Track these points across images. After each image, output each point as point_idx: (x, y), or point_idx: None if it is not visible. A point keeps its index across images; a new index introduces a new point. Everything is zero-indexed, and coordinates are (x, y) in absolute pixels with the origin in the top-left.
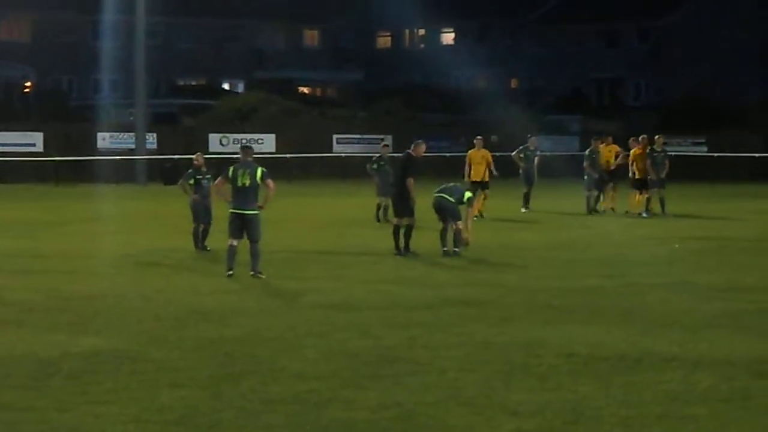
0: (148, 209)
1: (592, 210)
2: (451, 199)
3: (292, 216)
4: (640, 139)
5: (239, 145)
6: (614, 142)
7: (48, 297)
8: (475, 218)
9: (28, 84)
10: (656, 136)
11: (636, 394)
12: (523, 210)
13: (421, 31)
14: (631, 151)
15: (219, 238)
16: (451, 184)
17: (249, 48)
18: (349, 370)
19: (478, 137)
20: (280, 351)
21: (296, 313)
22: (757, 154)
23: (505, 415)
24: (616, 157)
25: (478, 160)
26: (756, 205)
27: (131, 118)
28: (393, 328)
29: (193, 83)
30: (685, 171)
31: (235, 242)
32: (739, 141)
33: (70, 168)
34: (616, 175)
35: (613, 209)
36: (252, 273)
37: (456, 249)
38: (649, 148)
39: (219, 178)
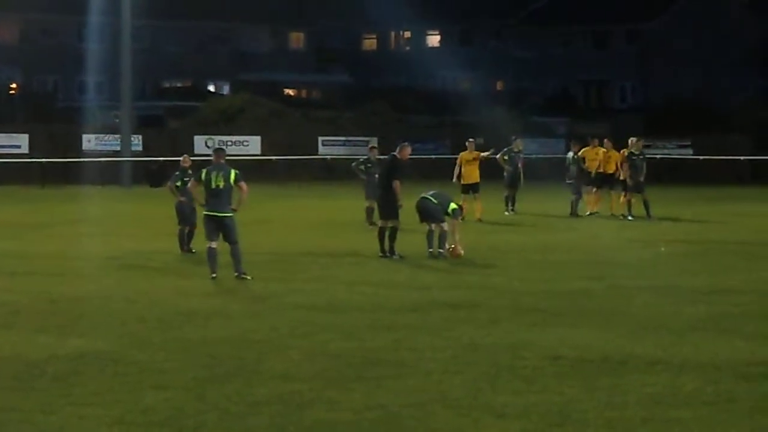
0: (134, 211)
1: (575, 213)
2: (435, 201)
3: (277, 218)
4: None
5: (215, 147)
6: (600, 145)
7: (34, 299)
8: (480, 221)
9: (13, 85)
10: (632, 139)
11: (621, 396)
12: (507, 212)
13: (407, 33)
14: (620, 153)
15: (205, 240)
16: (441, 191)
17: (234, 50)
18: (334, 372)
19: (470, 139)
20: (264, 352)
21: (281, 314)
22: (742, 157)
23: (490, 417)
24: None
25: (470, 162)
26: (741, 208)
27: (117, 120)
28: (378, 330)
29: (179, 85)
30: (671, 174)
31: (213, 244)
32: (725, 144)
33: (55, 170)
34: (600, 179)
35: (596, 212)
36: (236, 275)
37: (441, 250)
38: (628, 151)
39: (191, 181)
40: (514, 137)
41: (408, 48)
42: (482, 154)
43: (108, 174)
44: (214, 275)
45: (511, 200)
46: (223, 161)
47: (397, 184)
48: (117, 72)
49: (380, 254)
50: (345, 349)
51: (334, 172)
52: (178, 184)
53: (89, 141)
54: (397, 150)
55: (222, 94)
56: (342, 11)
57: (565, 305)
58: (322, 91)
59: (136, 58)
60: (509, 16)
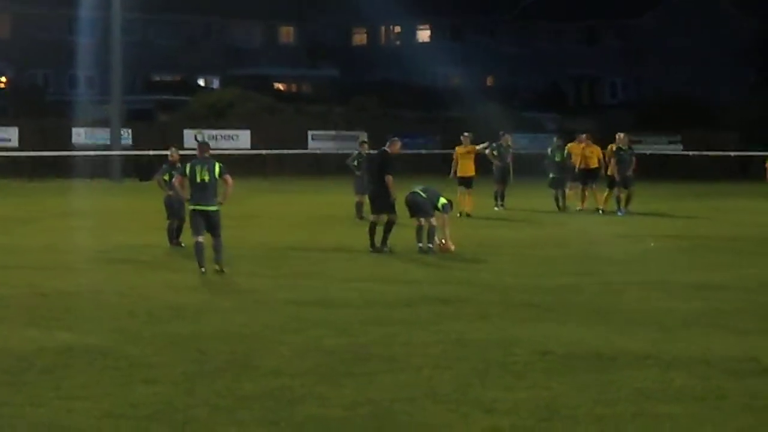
0: (123, 205)
1: (562, 208)
2: (424, 195)
3: (266, 212)
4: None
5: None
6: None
7: (23, 293)
8: (458, 215)
9: (3, 79)
10: (619, 134)
11: (611, 392)
12: (496, 208)
13: (397, 28)
14: (608, 148)
15: (191, 235)
16: (429, 186)
17: (224, 44)
18: (324, 367)
19: (465, 134)
20: (254, 348)
21: (271, 309)
22: (732, 153)
23: (480, 413)
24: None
25: (465, 156)
26: (731, 203)
27: (107, 114)
28: (368, 326)
29: (169, 79)
30: (661, 169)
31: (200, 239)
32: (715, 140)
33: (45, 163)
34: (587, 175)
35: (584, 209)
36: (216, 268)
37: (430, 245)
38: (615, 146)
39: (177, 176)
40: (502, 132)
41: (398, 43)
42: (477, 147)
43: (98, 168)
44: (203, 269)
45: (500, 195)
46: (207, 155)
47: (389, 178)
48: (107, 66)
49: (370, 249)
50: (336, 345)
51: (324, 167)
52: (166, 177)
53: (79, 135)
54: (388, 144)
55: (212, 89)
56: (332, 6)
57: (555, 301)
58: (312, 86)
59: (126, 52)
60: (500, 11)
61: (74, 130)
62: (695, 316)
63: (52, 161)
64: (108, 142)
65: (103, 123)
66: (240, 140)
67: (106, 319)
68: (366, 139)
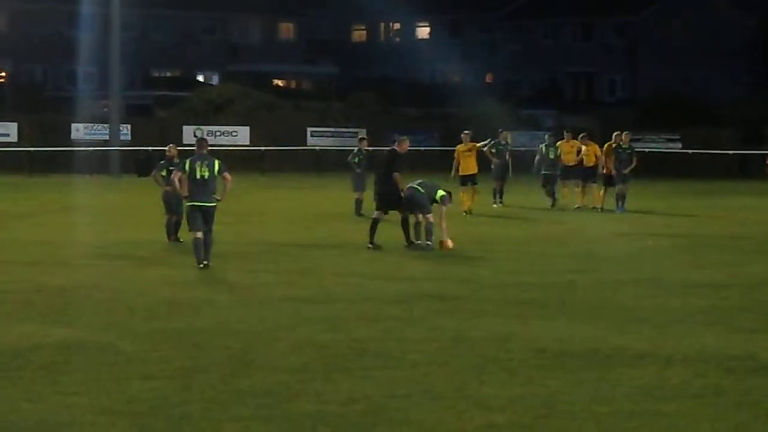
0: (122, 200)
1: (553, 205)
2: (422, 190)
3: (265, 209)
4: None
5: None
6: (590, 138)
7: (20, 287)
8: (464, 214)
9: (2, 74)
10: (616, 133)
11: (607, 389)
12: (495, 205)
13: (397, 25)
14: (605, 146)
15: (189, 231)
16: (427, 180)
17: (224, 40)
18: (320, 363)
19: (466, 131)
20: (250, 343)
21: (268, 305)
22: (731, 151)
23: (476, 409)
24: (578, 153)
25: (466, 154)
26: (729, 201)
27: (105, 110)
28: (364, 322)
29: (168, 75)
30: (660, 167)
31: (199, 234)
32: (714, 138)
33: (44, 159)
34: (577, 172)
35: (579, 207)
36: (204, 262)
37: (429, 242)
38: (615, 144)
39: (176, 172)
40: (500, 129)
41: (398, 39)
42: (478, 144)
43: (96, 163)
44: (201, 265)
45: (498, 193)
46: (205, 151)
47: (397, 176)
48: (106, 61)
49: (369, 245)
50: (332, 341)
51: (323, 163)
52: (164, 173)
53: (78, 130)
54: (396, 143)
55: (211, 85)
56: (332, 2)
57: (551, 298)
58: (311, 82)
59: (125, 47)
60: (499, 8)
61: (73, 125)
62: (692, 314)
63: (50, 156)
64: (107, 138)
65: (101, 118)
66: (239, 136)
67: (104, 314)
68: (365, 136)
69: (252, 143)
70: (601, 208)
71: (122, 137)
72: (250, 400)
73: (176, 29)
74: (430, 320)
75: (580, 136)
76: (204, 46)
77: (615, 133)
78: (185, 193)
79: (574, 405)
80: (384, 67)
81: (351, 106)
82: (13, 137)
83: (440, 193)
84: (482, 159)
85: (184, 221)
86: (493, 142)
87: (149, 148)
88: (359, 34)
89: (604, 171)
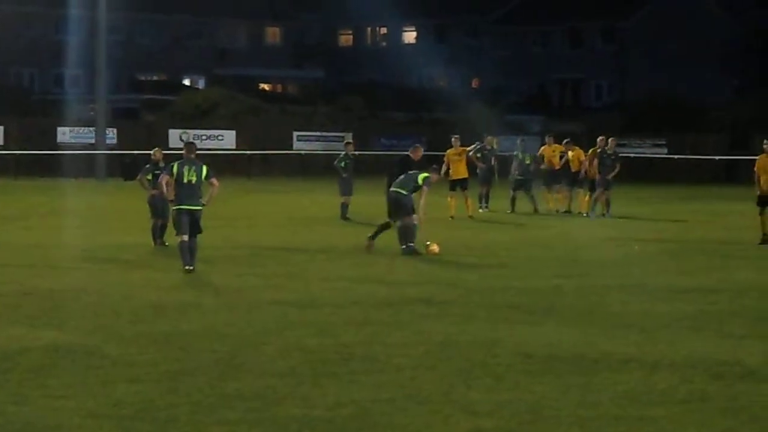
0: (108, 204)
1: (512, 209)
2: (404, 192)
3: (251, 213)
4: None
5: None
6: (575, 143)
7: (8, 290)
8: (452, 219)
9: None
10: (600, 138)
11: (594, 394)
12: (481, 210)
13: (383, 29)
14: (590, 152)
15: (176, 234)
16: (403, 176)
17: (210, 45)
18: (307, 367)
19: (455, 136)
20: (237, 347)
21: (255, 309)
22: (717, 157)
23: (462, 414)
24: (561, 157)
25: (456, 158)
26: (716, 207)
27: (92, 113)
28: (351, 326)
29: (154, 79)
30: (646, 172)
31: (185, 237)
32: (701, 143)
33: (30, 162)
34: (560, 177)
35: (557, 210)
36: (189, 268)
37: (410, 244)
38: (599, 149)
39: (164, 176)
40: (486, 135)
41: (384, 44)
42: (468, 149)
43: (82, 166)
44: (187, 268)
45: (485, 197)
46: (193, 156)
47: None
48: (93, 65)
49: (369, 237)
50: (319, 345)
51: (309, 168)
52: (149, 177)
53: (64, 134)
54: (410, 150)
55: (197, 88)
56: (318, 7)
57: (538, 303)
58: (297, 87)
59: (112, 51)
60: (486, 13)
61: (59, 129)
62: (679, 319)
63: (36, 160)
64: (93, 141)
65: (88, 122)
66: (225, 140)
67: (91, 317)
68: (351, 140)
69: (238, 147)
70: (587, 213)
71: (108, 141)
72: (236, 403)
73: (163, 33)
74: (417, 325)
75: (564, 141)
76: (191, 50)
77: (599, 138)
78: (171, 196)
79: (560, 410)
80: (370, 72)
81: (337, 110)
82: (0, 140)
83: (423, 175)
84: (472, 163)
85: (170, 225)
86: (478, 146)
87: (135, 151)
88: (346, 39)
89: (586, 175)
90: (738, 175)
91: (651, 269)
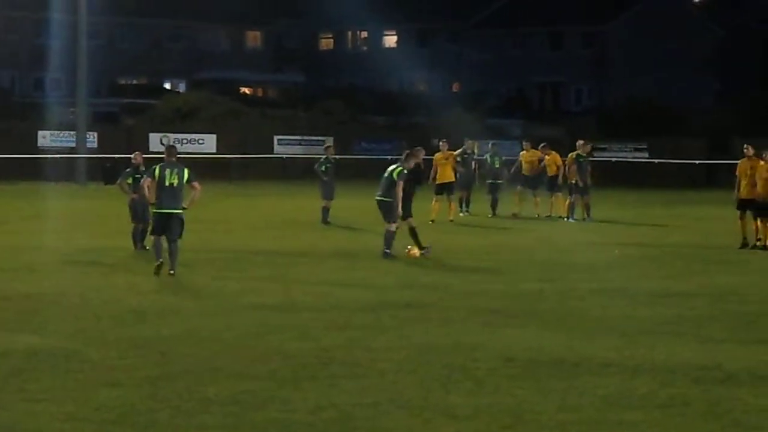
0: (88, 208)
1: (494, 214)
2: (388, 198)
3: (232, 217)
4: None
5: (167, 144)
6: (552, 148)
7: None
8: (432, 222)
9: None
10: (579, 142)
11: (574, 398)
12: (461, 214)
13: (364, 34)
14: (568, 156)
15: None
16: (383, 180)
17: (191, 48)
18: (287, 371)
19: (443, 140)
20: (217, 351)
21: (234, 313)
22: (698, 161)
23: (443, 418)
24: (540, 162)
25: (443, 162)
26: (696, 211)
27: (72, 117)
28: (332, 330)
29: (135, 83)
30: (626, 177)
31: (159, 237)
32: (681, 147)
33: (9, 166)
34: (537, 181)
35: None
36: (171, 272)
37: (387, 250)
38: (575, 154)
39: (146, 179)
40: (466, 139)
41: (365, 48)
42: (455, 153)
43: (63, 170)
44: (160, 260)
45: (465, 201)
46: (174, 159)
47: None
48: (74, 69)
49: (423, 250)
50: (299, 349)
51: (290, 172)
52: (129, 181)
53: (44, 137)
54: (413, 153)
55: (178, 92)
56: (299, 11)
57: (518, 307)
58: (278, 90)
59: (92, 55)
60: (466, 17)
61: (40, 132)
62: (659, 324)
63: (16, 164)
64: (73, 145)
65: (68, 126)
66: (206, 144)
67: (71, 322)
68: (331, 144)
69: (218, 151)
70: (567, 218)
71: (89, 144)
72: (217, 408)
73: (143, 37)
74: (398, 329)
75: (541, 145)
76: (171, 53)
77: (578, 142)
78: (152, 199)
79: (541, 414)
80: (351, 76)
81: (318, 114)
82: None
83: (397, 170)
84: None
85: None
86: (459, 150)
87: (116, 155)
88: (326, 43)
89: (564, 180)
90: (718, 180)
91: (631, 274)
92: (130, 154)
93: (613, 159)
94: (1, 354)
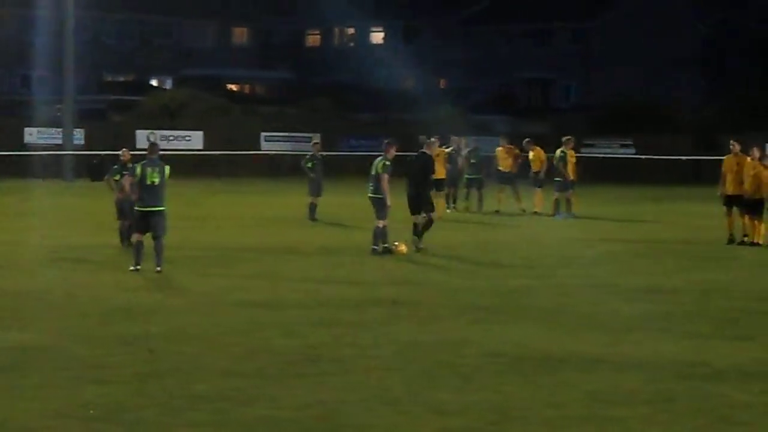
0: (75, 205)
1: (480, 208)
2: (380, 195)
3: (219, 214)
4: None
5: (149, 141)
6: (537, 144)
7: None
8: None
9: None
10: (564, 138)
11: (561, 394)
12: (448, 210)
13: (351, 30)
14: (556, 152)
15: (146, 235)
16: (370, 178)
17: (178, 45)
18: (274, 369)
19: (434, 138)
20: (204, 348)
21: (222, 310)
22: (684, 157)
23: (430, 414)
24: (516, 159)
25: (435, 159)
26: (683, 207)
27: (59, 114)
28: (319, 327)
29: (121, 79)
30: (613, 173)
31: (141, 237)
32: (668, 143)
33: None
34: (514, 177)
35: (524, 210)
36: (158, 270)
37: (375, 247)
38: (560, 150)
39: (128, 177)
40: (451, 136)
41: (351, 45)
42: (446, 150)
43: (50, 167)
44: (138, 267)
45: (451, 198)
46: (156, 156)
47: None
48: (60, 66)
49: (417, 248)
50: (286, 346)
51: (276, 168)
52: (117, 178)
53: (31, 134)
54: (425, 146)
55: (165, 89)
56: (286, 7)
57: (505, 303)
58: (265, 87)
59: (78, 51)
60: (453, 14)
61: (26, 129)
62: (646, 320)
63: (3, 161)
64: (60, 142)
65: (55, 123)
66: (192, 141)
67: (58, 319)
68: (318, 140)
69: (205, 148)
70: (554, 215)
71: (76, 141)
72: (204, 405)
73: (130, 33)
74: (385, 325)
75: (525, 141)
76: (158, 50)
77: (563, 138)
78: (135, 197)
79: (528, 410)
80: (338, 73)
81: (305, 110)
82: None
83: (381, 164)
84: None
85: None
86: (450, 147)
87: (103, 152)
88: (313, 39)
89: (547, 175)
90: (705, 176)
91: (618, 270)
92: (117, 151)
93: (601, 155)
94: None
